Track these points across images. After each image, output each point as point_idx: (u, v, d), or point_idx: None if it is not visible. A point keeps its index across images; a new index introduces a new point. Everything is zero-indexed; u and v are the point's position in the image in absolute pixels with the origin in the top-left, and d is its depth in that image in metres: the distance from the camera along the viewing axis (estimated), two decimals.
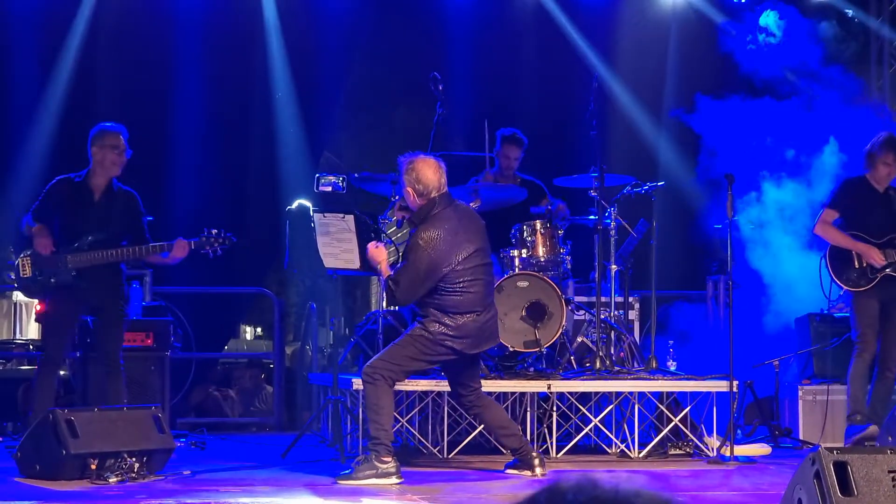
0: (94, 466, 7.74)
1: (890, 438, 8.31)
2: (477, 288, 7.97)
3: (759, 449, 9.62)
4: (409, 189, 7.95)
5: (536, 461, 8.17)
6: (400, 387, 9.21)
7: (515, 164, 10.79)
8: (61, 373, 9.78)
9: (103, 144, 9.14)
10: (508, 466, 8.42)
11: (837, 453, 5.51)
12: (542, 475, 8.13)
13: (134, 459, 7.83)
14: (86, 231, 9.06)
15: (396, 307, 10.12)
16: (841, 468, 5.42)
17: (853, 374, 9.71)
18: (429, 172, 7.93)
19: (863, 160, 9.84)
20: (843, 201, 9.79)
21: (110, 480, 7.67)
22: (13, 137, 12.45)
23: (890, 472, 5.43)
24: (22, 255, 9.13)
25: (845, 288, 9.71)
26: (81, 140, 9.36)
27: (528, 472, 8.18)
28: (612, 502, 1.85)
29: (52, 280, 9.06)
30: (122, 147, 9.15)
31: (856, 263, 9.66)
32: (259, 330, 14.66)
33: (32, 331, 11.22)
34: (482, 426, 9.11)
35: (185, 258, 9.13)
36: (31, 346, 11.03)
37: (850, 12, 13.81)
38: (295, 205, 9.88)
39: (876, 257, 9.58)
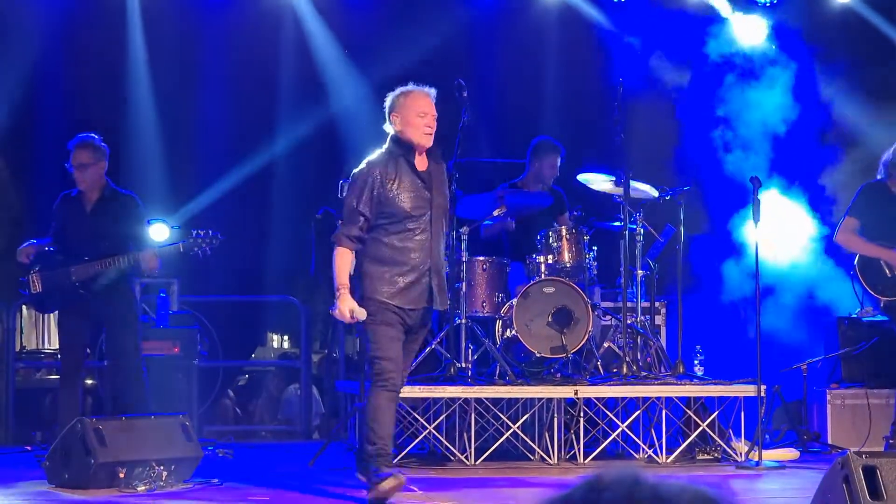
0: (122, 475, 7.76)
1: None
2: None
3: (787, 454, 9.59)
4: None
5: None
6: (427, 394, 9.24)
7: (555, 173, 10.78)
8: (89, 381, 9.80)
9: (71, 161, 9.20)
10: None
11: (866, 457, 5.49)
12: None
13: (162, 468, 7.85)
14: (84, 243, 9.10)
15: None
16: (870, 472, 5.40)
17: None
18: None
19: (882, 168, 9.71)
20: (862, 207, 9.67)
21: (139, 489, 7.70)
22: (50, 151, 12.48)
23: None
24: (32, 272, 9.20)
25: (882, 298, 9.60)
26: (112, 148, 9.42)
27: None
28: (653, 500, 1.84)
29: (60, 294, 9.11)
30: (80, 161, 9.14)
31: (886, 272, 9.55)
32: (286, 338, 14.68)
33: None
34: (508, 432, 9.15)
35: (183, 261, 9.20)
36: (58, 356, 11.07)
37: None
38: (320, 212, 9.87)
39: None
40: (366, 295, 7.32)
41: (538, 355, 9.35)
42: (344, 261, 7.31)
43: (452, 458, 9.24)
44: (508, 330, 9.49)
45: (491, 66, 13.23)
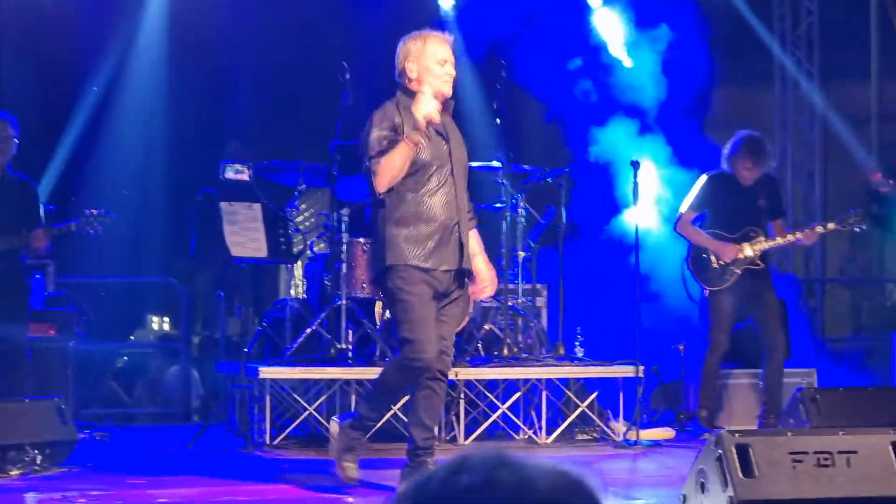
0: None
1: (791, 421, 8.42)
2: None
3: (663, 433, 9.72)
4: None
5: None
6: (307, 375, 9.20)
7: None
8: None
9: None
10: None
11: (739, 436, 5.57)
12: None
13: (37, 452, 7.73)
14: None
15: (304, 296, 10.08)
16: (743, 450, 5.48)
17: (706, 371, 9.87)
18: None
19: (725, 160, 9.85)
20: (702, 199, 9.86)
21: (12, 473, 7.57)
22: None
23: (790, 453, 5.50)
24: None
25: (706, 288, 9.80)
26: None
27: None
28: (514, 483, 1.83)
29: None
30: (3, 135, 9.01)
31: (713, 262, 9.75)
32: (166, 319, 14.56)
33: None
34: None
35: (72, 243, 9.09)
36: None
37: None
38: (201, 193, 9.79)
39: (727, 253, 9.67)
40: (393, 262, 6.67)
41: None
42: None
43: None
44: (388, 311, 9.46)
45: (373, 47, 13.18)
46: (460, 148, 7.00)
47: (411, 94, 6.79)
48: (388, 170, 6.64)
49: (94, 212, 8.93)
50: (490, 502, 1.78)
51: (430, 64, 6.80)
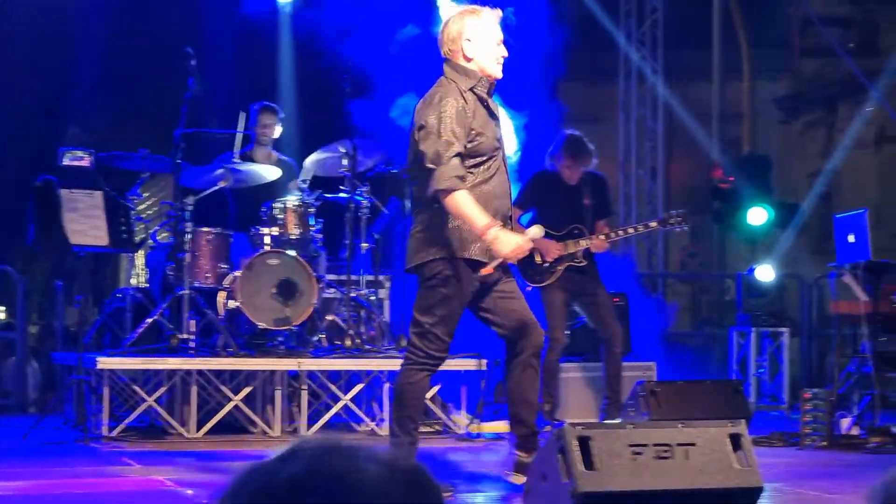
0: None
1: (632, 413, 8.52)
2: None
3: (506, 426, 9.73)
4: None
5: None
6: (147, 365, 9.07)
7: (271, 133, 10.60)
8: None
9: None
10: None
11: (581, 429, 5.60)
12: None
13: None
14: None
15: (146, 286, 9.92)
16: (584, 443, 5.52)
17: (546, 368, 9.95)
18: None
19: (548, 158, 9.96)
20: (529, 197, 9.92)
21: None
22: None
23: (630, 445, 5.55)
24: None
25: (529, 284, 9.90)
26: None
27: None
28: (339, 473, 1.76)
29: None
30: None
31: (537, 259, 9.83)
32: (1, 309, 14.24)
33: None
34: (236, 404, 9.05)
35: None
36: None
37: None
38: (40, 180, 9.59)
39: (550, 251, 9.76)
40: (450, 255, 6.23)
41: (262, 327, 9.27)
42: (471, 200, 6.07)
43: (173, 430, 9.11)
44: (231, 301, 9.37)
45: (220, 34, 13.06)
46: (502, 132, 6.59)
47: (463, 73, 6.30)
48: (463, 206, 6.14)
49: None
50: (311, 493, 1.71)
51: (489, 44, 6.33)
